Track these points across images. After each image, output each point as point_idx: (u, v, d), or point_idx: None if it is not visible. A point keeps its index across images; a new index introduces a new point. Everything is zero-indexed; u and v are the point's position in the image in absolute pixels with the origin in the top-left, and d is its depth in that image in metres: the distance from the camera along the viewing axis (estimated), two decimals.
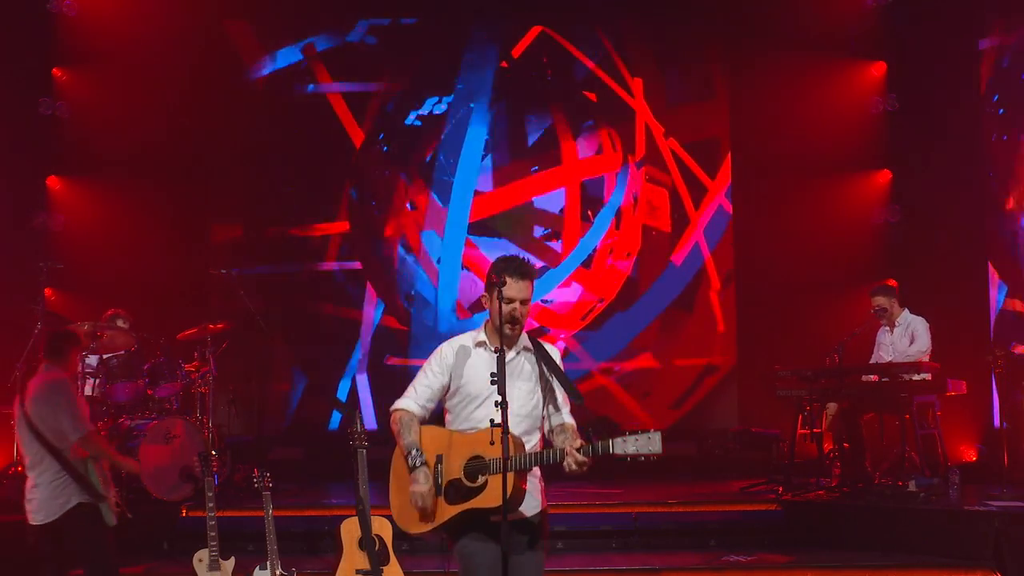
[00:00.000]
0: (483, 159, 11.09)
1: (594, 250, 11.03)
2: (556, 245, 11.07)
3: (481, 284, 10.72)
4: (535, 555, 4.42)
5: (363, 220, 11.09)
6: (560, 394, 4.50)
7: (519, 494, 4.26)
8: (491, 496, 4.21)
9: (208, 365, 8.57)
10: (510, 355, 4.38)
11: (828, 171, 10.56)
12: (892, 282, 9.27)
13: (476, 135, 11.10)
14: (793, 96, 10.61)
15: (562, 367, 4.53)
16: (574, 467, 4.15)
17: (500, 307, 4.29)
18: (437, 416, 4.61)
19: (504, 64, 11.18)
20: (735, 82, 11.06)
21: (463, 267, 11.00)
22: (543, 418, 4.50)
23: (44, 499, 5.64)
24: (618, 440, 4.10)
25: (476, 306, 10.76)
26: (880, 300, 8.56)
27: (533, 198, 11.11)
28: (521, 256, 4.49)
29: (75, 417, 5.69)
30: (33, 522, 5.68)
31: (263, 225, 11.05)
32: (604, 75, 11.14)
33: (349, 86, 11.17)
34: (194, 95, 10.56)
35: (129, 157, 10.30)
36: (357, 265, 11.10)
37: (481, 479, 4.25)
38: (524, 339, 4.52)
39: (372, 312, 11.04)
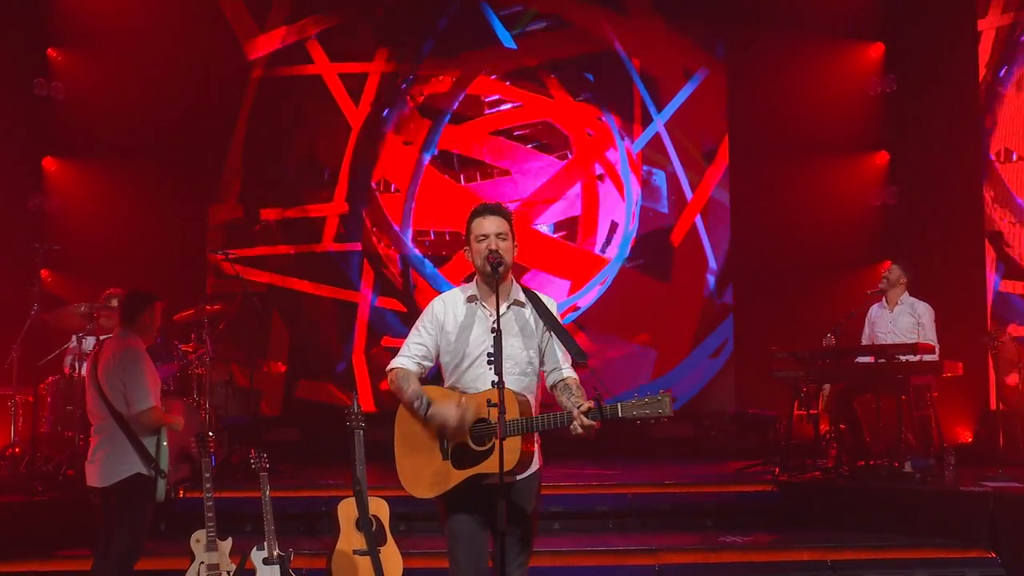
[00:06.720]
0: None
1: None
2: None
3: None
4: (526, 508, 4.28)
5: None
6: (560, 349, 4.34)
7: (527, 457, 4.16)
8: (497, 462, 4.00)
9: (205, 346, 8.55)
10: (500, 309, 4.20)
11: (826, 152, 10.55)
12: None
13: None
14: (791, 77, 10.59)
15: (559, 319, 4.39)
16: (580, 431, 4.02)
17: (477, 249, 4.25)
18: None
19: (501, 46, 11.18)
20: (733, 63, 11.03)
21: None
22: (542, 374, 4.37)
23: (106, 465, 5.63)
24: (627, 403, 4.00)
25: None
26: (897, 270, 8.34)
27: None
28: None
29: (142, 389, 5.62)
30: (91, 483, 5.70)
31: (260, 206, 11.03)
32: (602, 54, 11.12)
33: (346, 65, 11.13)
34: (190, 75, 10.53)
35: (125, 138, 10.29)
36: (356, 246, 11.09)
37: (488, 443, 4.10)
38: (517, 291, 4.35)
39: (369, 293, 11.04)
